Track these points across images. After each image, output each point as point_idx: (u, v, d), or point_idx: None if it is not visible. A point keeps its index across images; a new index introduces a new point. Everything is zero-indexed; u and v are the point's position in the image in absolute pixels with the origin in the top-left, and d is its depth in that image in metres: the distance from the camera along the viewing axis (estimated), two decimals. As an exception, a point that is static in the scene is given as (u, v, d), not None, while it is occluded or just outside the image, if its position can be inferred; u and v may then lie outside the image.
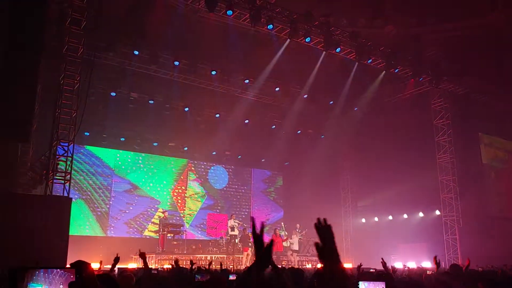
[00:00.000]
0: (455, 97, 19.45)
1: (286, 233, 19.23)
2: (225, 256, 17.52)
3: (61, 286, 2.43)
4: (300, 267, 16.01)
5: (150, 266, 7.47)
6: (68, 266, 2.05)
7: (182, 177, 22.23)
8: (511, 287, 5.79)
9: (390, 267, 8.56)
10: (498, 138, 21.21)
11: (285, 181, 25.57)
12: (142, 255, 6.28)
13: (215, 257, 17.24)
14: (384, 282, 4.31)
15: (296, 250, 18.17)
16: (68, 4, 13.33)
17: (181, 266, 8.05)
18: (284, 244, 18.22)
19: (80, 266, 1.89)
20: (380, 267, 7.78)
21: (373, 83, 19.39)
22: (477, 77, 18.92)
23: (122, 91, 18.53)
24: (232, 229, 18.16)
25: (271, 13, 15.07)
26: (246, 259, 16.94)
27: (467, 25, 16.95)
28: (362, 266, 7.85)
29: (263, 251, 1.85)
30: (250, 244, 16.83)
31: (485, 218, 18.72)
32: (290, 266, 11.25)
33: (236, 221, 18.70)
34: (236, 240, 18.24)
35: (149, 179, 21.18)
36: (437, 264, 7.24)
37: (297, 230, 19.57)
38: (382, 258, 7.46)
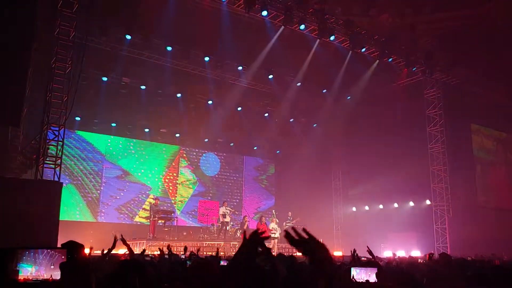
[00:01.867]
0: (448, 88, 19.49)
1: (277, 220, 19.24)
2: (215, 242, 17.54)
3: (52, 266, 2.40)
4: (292, 254, 16.04)
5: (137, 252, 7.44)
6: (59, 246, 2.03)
7: (173, 164, 22.18)
8: (499, 276, 5.82)
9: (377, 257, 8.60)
10: (490, 129, 21.33)
11: (277, 169, 25.60)
12: (124, 241, 6.20)
13: (205, 243, 17.27)
14: (376, 268, 4.33)
15: (275, 237, 17.79)
16: (60, -14, 13.13)
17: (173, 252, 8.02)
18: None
19: (72, 247, 1.86)
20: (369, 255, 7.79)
21: (366, 72, 19.35)
22: (470, 68, 18.96)
23: (114, 76, 18.36)
24: (224, 216, 18.15)
25: (265, -1, 14.95)
26: None
27: (461, 16, 16.93)
28: (350, 255, 7.87)
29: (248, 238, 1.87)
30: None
31: (475, 208, 18.88)
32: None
33: (228, 208, 18.69)
34: (228, 227, 18.26)
35: (140, 165, 21.10)
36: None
37: (289, 218, 19.59)
38: (367, 246, 7.47)
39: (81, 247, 1.79)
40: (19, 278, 2.41)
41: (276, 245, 17.68)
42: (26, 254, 2.44)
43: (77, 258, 1.77)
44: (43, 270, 2.46)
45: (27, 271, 2.46)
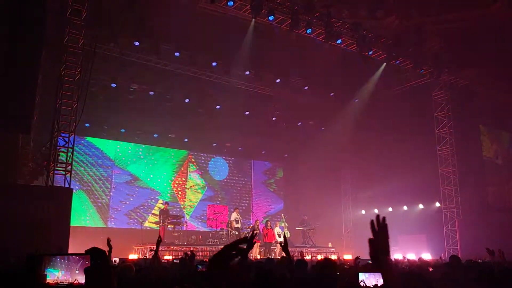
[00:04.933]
0: (456, 89, 19.44)
1: (287, 224, 19.26)
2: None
3: (77, 271, 2.53)
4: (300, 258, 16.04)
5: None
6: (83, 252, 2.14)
7: (182, 169, 22.27)
8: (508, 278, 5.82)
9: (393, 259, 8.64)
10: (499, 130, 21.22)
11: (286, 173, 25.62)
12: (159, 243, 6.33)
13: (215, 248, 17.32)
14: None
15: (280, 241, 17.64)
16: (69, -6, 13.28)
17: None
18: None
19: (96, 253, 1.96)
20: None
21: (374, 75, 19.35)
22: (478, 69, 18.88)
23: (122, 82, 18.48)
24: (237, 222, 18.16)
25: (272, 4, 15.01)
26: (256, 250, 17.03)
27: (469, 17, 16.88)
28: (360, 258, 7.91)
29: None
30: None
31: (485, 210, 18.76)
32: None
33: (240, 214, 18.71)
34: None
35: (149, 170, 21.21)
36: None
37: (305, 220, 19.62)
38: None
39: (104, 253, 1.88)
40: (48, 282, 2.53)
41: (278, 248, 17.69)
42: (53, 259, 2.57)
43: (100, 263, 1.86)
44: (69, 274, 2.58)
45: (54, 275, 2.58)
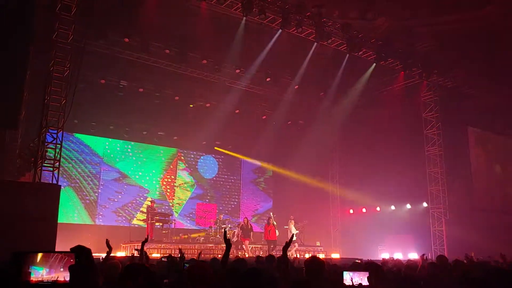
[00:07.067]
0: (445, 90, 19.57)
1: (275, 223, 19.23)
2: (213, 245, 17.55)
3: (61, 269, 2.52)
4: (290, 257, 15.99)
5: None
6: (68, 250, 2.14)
7: (171, 167, 22.20)
8: (495, 278, 5.88)
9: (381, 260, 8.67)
10: (487, 132, 21.38)
11: (275, 172, 25.63)
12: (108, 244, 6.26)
13: (203, 246, 17.29)
14: (367, 272, 4.37)
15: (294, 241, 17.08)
16: (59, -11, 13.16)
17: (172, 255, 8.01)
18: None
19: (81, 251, 1.96)
20: (366, 257, 7.89)
21: (363, 75, 19.41)
22: (467, 71, 19.03)
23: (111, 79, 18.38)
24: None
25: (263, 3, 15.01)
26: (247, 248, 16.99)
27: (459, 19, 16.99)
28: (347, 257, 7.94)
29: None
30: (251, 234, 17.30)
31: (472, 210, 18.93)
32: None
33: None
34: (227, 228, 18.14)
35: (138, 168, 21.12)
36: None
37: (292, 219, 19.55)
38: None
39: (89, 251, 1.88)
40: (31, 279, 2.53)
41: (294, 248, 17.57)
42: (38, 257, 2.56)
43: (85, 261, 1.86)
44: (54, 272, 2.57)
45: (39, 273, 2.57)
